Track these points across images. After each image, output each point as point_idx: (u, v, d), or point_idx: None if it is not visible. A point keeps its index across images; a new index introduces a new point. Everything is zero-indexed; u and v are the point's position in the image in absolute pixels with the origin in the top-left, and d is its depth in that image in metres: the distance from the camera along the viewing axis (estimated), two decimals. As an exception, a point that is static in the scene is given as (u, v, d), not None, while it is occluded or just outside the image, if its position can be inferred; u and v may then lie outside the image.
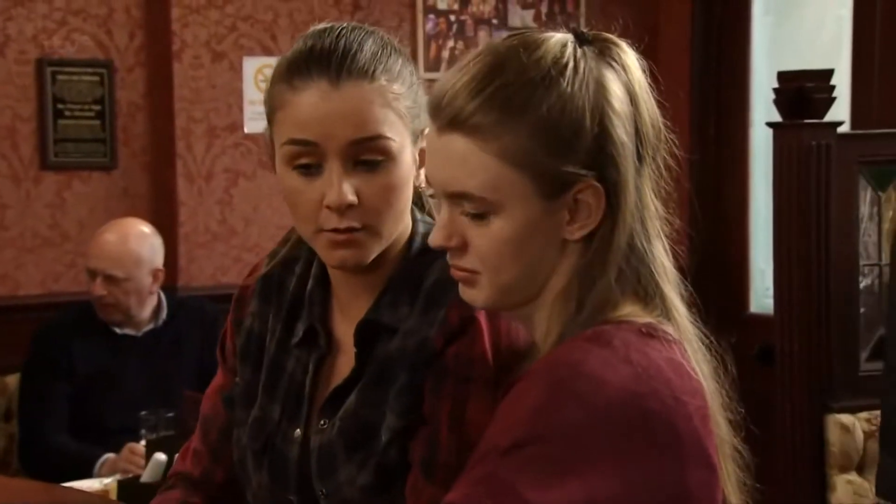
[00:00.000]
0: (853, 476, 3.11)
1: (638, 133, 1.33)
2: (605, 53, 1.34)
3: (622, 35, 1.38)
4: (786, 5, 4.75)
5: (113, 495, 2.88)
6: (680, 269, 1.40)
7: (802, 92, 3.12)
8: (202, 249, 4.37)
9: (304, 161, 1.47)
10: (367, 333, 1.53)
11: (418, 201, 1.60)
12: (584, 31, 1.36)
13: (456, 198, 1.34)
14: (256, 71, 4.38)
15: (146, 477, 2.89)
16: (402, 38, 4.73)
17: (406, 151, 1.49)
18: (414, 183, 1.53)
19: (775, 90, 3.21)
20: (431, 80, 1.56)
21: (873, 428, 3.06)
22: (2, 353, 3.94)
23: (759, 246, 4.71)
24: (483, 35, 4.81)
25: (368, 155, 1.46)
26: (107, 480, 3.14)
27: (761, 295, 4.70)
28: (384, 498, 1.48)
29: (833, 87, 3.17)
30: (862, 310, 3.16)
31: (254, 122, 4.35)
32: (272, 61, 1.57)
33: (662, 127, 1.37)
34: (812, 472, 3.11)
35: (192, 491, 1.71)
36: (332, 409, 1.54)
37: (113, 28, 4.32)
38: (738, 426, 1.41)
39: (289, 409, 1.58)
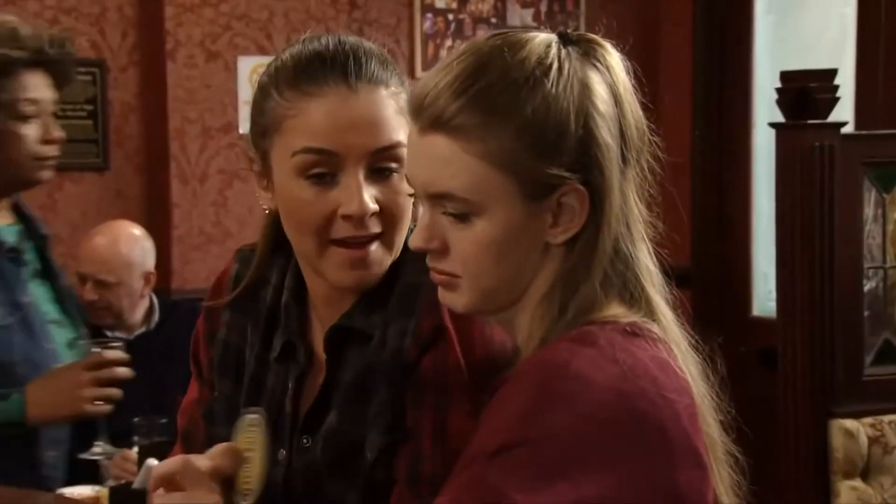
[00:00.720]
0: (857, 482, 3.10)
1: (622, 135, 1.33)
2: (589, 54, 1.34)
3: (622, 34, 1.38)
4: (788, 4, 4.76)
5: (105, 502, 2.85)
6: (665, 272, 1.40)
7: (806, 92, 3.11)
8: (196, 252, 4.35)
9: (317, 171, 1.44)
10: (339, 339, 1.50)
11: None
12: (569, 31, 1.36)
13: (437, 199, 1.33)
14: (251, 71, 4.36)
15: (138, 483, 2.88)
16: (400, 37, 4.72)
17: None
18: None
19: (778, 90, 3.20)
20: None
21: (878, 433, 3.07)
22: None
23: (762, 248, 4.72)
24: (482, 34, 4.77)
25: (385, 163, 1.45)
26: (98, 487, 3.12)
27: (764, 298, 4.71)
28: None
29: (837, 87, 3.16)
30: (866, 313, 3.15)
31: (249, 122, 4.32)
32: (268, 61, 1.53)
33: (646, 129, 1.37)
34: (815, 478, 3.10)
35: None
36: (313, 426, 1.51)
37: (105, 27, 4.32)
38: (731, 427, 1.41)
39: (271, 429, 1.54)
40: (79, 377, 2.54)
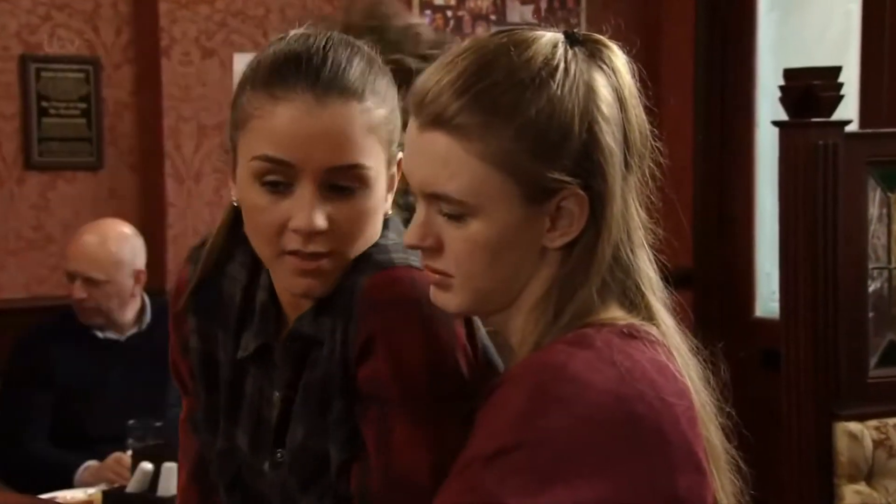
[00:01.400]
0: (862, 486, 3.07)
1: (626, 140, 1.32)
2: (595, 55, 1.33)
3: (628, 35, 1.37)
4: (791, 1, 4.77)
5: (96, 506, 2.90)
6: (665, 277, 1.39)
7: (809, 90, 3.09)
8: (191, 252, 4.30)
9: (272, 178, 1.38)
10: (298, 346, 1.46)
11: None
12: (575, 31, 1.34)
13: (434, 198, 1.31)
14: (247, 68, 4.33)
15: (132, 486, 2.93)
16: (398, 35, 4.68)
17: (381, 178, 1.42)
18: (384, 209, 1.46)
19: (781, 88, 3.18)
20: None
21: (882, 436, 3.06)
22: (-16, 357, 3.93)
23: (765, 248, 4.72)
24: (481, 32, 4.78)
25: (344, 181, 1.39)
26: (91, 490, 3.13)
27: (767, 299, 4.72)
28: None
29: (841, 85, 3.14)
30: (871, 314, 3.13)
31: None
32: (264, 59, 1.47)
33: (649, 133, 1.35)
34: (819, 481, 3.08)
35: None
36: (285, 438, 1.48)
37: (99, 23, 4.30)
38: (732, 431, 1.40)
39: (254, 440, 1.51)
40: None
